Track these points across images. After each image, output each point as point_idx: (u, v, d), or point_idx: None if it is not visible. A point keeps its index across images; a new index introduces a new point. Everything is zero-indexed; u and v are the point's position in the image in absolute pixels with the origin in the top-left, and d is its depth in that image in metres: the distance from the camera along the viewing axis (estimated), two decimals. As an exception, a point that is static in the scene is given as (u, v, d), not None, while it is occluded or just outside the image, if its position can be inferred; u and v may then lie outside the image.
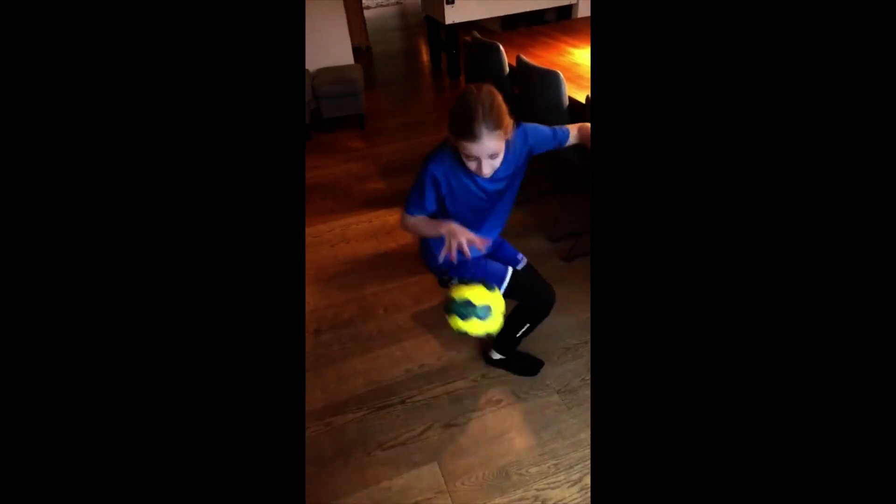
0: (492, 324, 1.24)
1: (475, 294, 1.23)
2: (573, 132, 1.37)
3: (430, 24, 4.28)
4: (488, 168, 1.15)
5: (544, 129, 1.33)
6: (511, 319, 1.48)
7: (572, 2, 4.03)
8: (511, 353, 1.66)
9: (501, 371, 1.68)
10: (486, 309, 1.23)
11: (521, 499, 1.33)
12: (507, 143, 1.18)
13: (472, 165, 1.15)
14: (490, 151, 1.10)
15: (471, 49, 2.48)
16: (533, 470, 1.39)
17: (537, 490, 1.34)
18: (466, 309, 1.22)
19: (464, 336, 1.27)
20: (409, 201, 1.27)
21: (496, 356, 1.68)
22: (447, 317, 1.26)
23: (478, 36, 2.37)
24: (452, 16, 3.73)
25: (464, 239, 1.14)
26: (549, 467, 1.39)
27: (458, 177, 1.23)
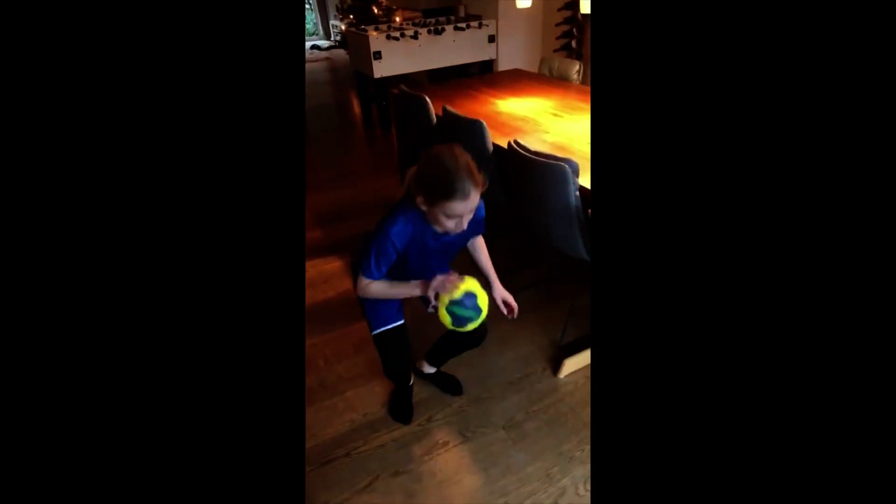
0: (483, 308, 1.22)
1: (469, 285, 1.19)
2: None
3: (360, 79, 4.42)
4: (466, 223, 1.15)
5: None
6: (448, 339, 1.60)
7: (493, 57, 4.33)
8: (438, 369, 1.80)
9: (446, 412, 1.68)
10: (474, 297, 1.19)
11: (473, 541, 1.31)
12: None
13: (450, 224, 1.14)
14: (473, 207, 1.12)
15: (399, 101, 2.58)
16: (483, 510, 1.38)
17: (489, 530, 1.33)
18: (469, 300, 1.18)
19: (461, 329, 1.22)
20: (366, 267, 1.22)
21: (428, 369, 1.78)
22: (444, 314, 1.19)
23: (405, 89, 2.48)
24: (381, 70, 3.88)
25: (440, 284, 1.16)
26: (499, 505, 1.39)
27: (425, 238, 1.23)
